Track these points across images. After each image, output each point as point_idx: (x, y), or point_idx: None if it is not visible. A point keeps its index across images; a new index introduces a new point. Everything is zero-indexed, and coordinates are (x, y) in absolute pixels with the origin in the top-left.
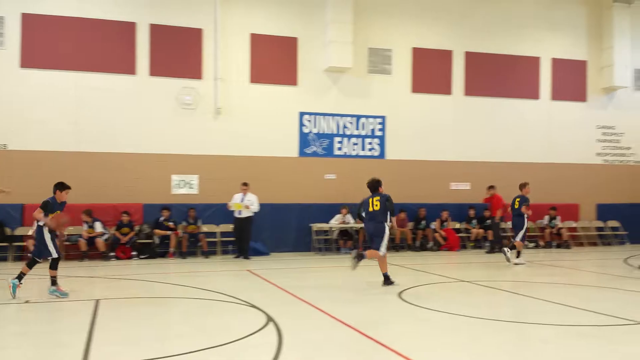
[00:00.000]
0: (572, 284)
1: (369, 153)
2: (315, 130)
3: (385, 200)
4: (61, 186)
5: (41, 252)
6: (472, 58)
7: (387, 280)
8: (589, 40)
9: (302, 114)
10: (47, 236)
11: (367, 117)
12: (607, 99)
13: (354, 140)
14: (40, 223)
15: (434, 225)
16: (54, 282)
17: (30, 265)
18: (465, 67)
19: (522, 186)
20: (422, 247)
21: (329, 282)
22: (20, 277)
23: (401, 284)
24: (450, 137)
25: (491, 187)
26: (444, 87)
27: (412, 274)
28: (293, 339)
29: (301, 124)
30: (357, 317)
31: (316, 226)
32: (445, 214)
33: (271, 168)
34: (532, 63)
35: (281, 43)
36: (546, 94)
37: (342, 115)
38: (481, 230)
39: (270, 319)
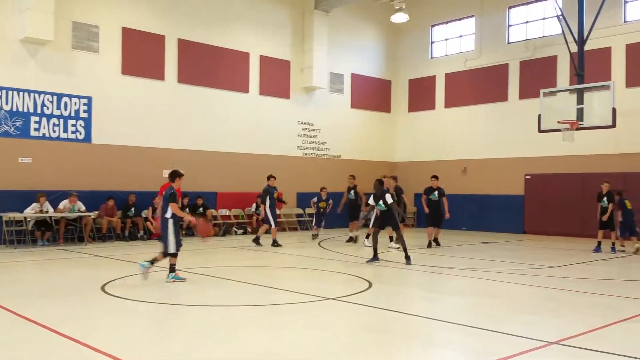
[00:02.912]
0: (273, 266)
1: (72, 136)
2: (7, 108)
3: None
4: None
5: None
6: (185, 46)
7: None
8: (292, 41)
9: None
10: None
11: (70, 96)
12: (307, 97)
13: (54, 120)
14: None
15: (145, 213)
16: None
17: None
18: (179, 54)
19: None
20: (132, 237)
21: (18, 277)
22: None
23: (105, 276)
24: (164, 124)
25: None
26: (157, 72)
27: (118, 265)
28: None
29: None
30: (52, 314)
31: (7, 216)
32: (157, 202)
33: None
34: (243, 58)
35: None
36: (255, 88)
37: (40, 93)
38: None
39: None
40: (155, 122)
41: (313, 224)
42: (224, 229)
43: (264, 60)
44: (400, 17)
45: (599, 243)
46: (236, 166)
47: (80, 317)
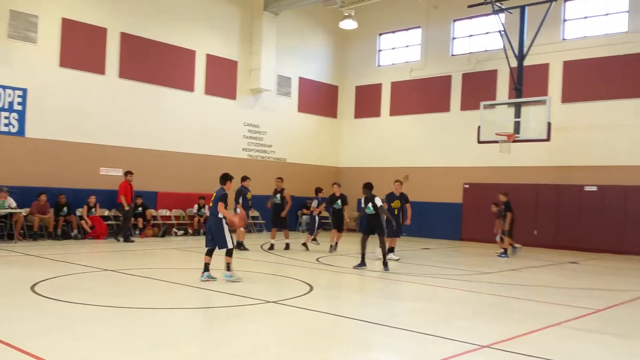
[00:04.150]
0: (212, 269)
1: (5, 129)
2: None
3: None
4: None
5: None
6: (128, 40)
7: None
8: (240, 42)
9: None
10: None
11: (4, 87)
12: (254, 99)
13: None
14: (220, 215)
15: (80, 212)
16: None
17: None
18: (121, 48)
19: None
20: (65, 235)
21: None
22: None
23: (36, 276)
24: (103, 120)
25: (128, 173)
26: (97, 66)
27: (50, 265)
28: None
29: None
30: None
31: None
32: (92, 200)
33: None
34: (189, 56)
35: None
36: (200, 87)
37: None
38: (132, 218)
39: None
40: (93, 118)
41: (315, 232)
42: (164, 230)
43: (211, 59)
44: (349, 24)
45: (513, 247)
46: (178, 166)
47: (10, 318)
